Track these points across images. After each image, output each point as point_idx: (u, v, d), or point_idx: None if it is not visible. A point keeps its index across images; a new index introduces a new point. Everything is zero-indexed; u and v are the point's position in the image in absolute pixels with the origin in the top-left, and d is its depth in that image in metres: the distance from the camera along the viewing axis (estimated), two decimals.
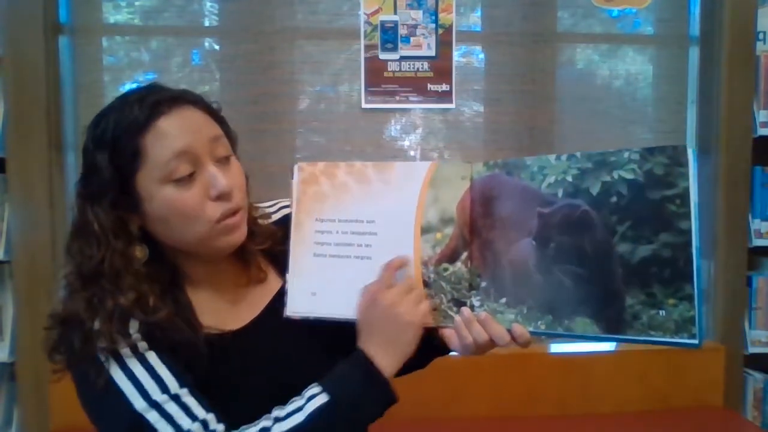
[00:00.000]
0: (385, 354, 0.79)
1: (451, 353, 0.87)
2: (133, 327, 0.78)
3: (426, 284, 0.83)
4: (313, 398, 0.77)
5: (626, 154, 0.74)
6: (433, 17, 1.83)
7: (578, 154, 0.77)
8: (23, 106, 1.68)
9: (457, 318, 0.81)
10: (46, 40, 1.69)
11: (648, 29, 1.97)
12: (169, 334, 0.79)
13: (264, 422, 0.77)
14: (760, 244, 1.89)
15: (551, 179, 0.78)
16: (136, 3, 1.80)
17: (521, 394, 1.76)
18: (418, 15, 1.83)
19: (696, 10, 1.94)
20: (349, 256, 0.86)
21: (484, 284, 0.82)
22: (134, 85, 1.79)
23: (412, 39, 1.83)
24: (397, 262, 0.83)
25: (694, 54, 1.95)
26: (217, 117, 0.86)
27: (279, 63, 1.82)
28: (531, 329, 0.78)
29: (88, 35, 1.78)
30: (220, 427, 0.76)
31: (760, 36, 1.90)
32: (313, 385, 0.78)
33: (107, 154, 0.79)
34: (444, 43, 1.84)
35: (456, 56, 1.85)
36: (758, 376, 1.91)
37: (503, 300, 0.80)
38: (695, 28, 1.95)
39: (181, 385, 0.77)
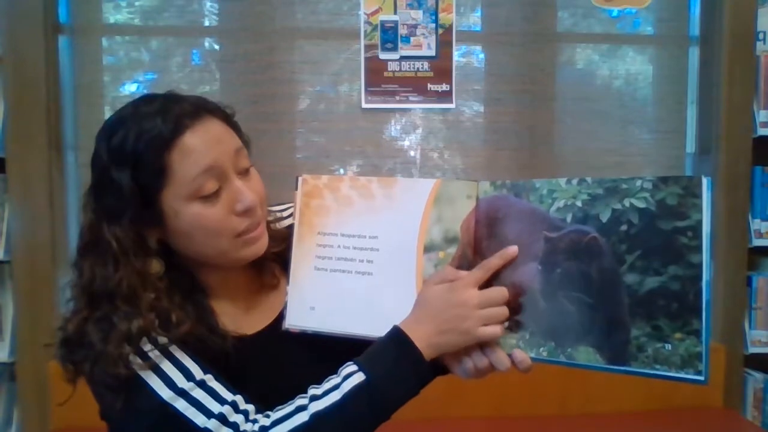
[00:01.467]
0: (427, 341, 0.75)
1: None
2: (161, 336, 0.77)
3: None
4: (350, 377, 0.74)
5: (639, 182, 0.72)
6: (433, 17, 1.83)
7: (589, 179, 0.75)
8: (23, 106, 1.68)
9: None
10: (46, 40, 1.69)
11: (648, 29, 1.97)
12: (192, 344, 0.78)
13: (300, 400, 0.76)
14: (760, 244, 1.89)
15: (560, 203, 0.76)
16: (136, 3, 1.80)
17: (521, 394, 1.76)
18: (418, 15, 1.83)
19: (696, 10, 1.94)
20: (350, 272, 0.84)
21: None
22: (134, 86, 1.81)
23: (412, 39, 1.83)
24: (499, 262, 0.77)
25: (694, 54, 1.95)
26: (233, 124, 0.85)
27: (279, 63, 1.82)
28: (532, 355, 0.76)
29: (88, 35, 1.78)
30: (250, 407, 0.76)
31: (760, 36, 1.90)
32: (349, 363, 0.76)
33: (129, 171, 0.76)
34: (444, 43, 1.84)
35: (456, 56, 1.85)
36: (758, 376, 1.91)
37: (505, 324, 0.78)
38: (695, 28, 1.95)
39: (205, 372, 0.77)
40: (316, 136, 1.85)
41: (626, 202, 0.72)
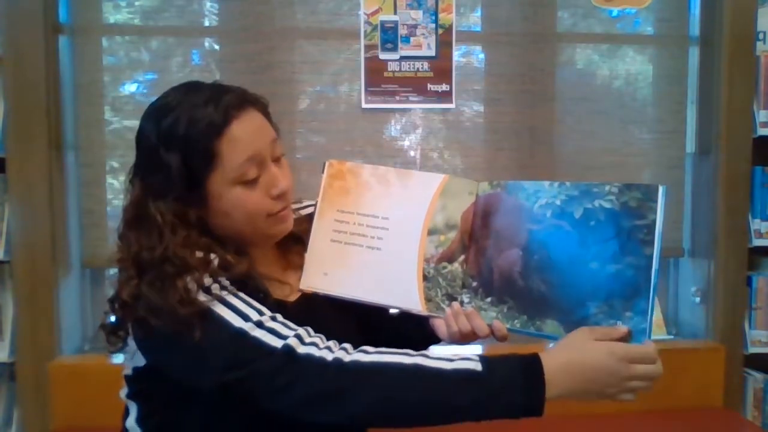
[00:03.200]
0: (562, 380, 0.77)
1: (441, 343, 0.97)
2: (224, 281, 0.83)
3: (425, 278, 0.94)
4: (467, 360, 0.77)
5: (607, 187, 0.87)
6: (433, 17, 1.83)
7: (568, 183, 0.90)
8: (23, 106, 1.68)
9: (448, 310, 0.92)
10: (46, 40, 1.69)
11: (648, 29, 1.97)
12: (252, 285, 0.85)
13: (410, 351, 0.79)
14: (760, 244, 1.89)
15: (543, 201, 0.91)
16: (136, 3, 1.80)
17: None
18: (418, 15, 1.83)
19: (696, 10, 1.94)
20: (362, 246, 0.96)
21: (474, 284, 0.94)
22: (134, 86, 1.81)
23: (412, 39, 1.83)
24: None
25: (694, 54, 1.95)
26: (268, 115, 0.91)
27: (279, 63, 1.82)
28: (508, 326, 0.90)
29: (88, 35, 1.78)
30: (321, 335, 0.81)
31: (760, 36, 1.90)
32: (474, 354, 0.79)
33: (179, 154, 0.81)
34: (444, 43, 1.84)
35: (456, 56, 1.85)
36: (758, 376, 1.91)
37: (488, 299, 0.92)
38: (695, 28, 1.94)
39: (274, 312, 0.82)
40: (316, 136, 1.85)
41: (596, 203, 0.87)
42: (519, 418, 0.77)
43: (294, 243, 0.98)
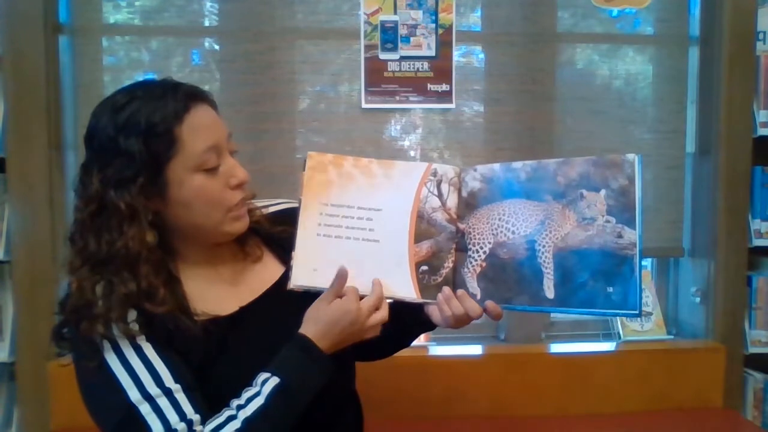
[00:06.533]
0: (324, 339, 0.88)
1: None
2: (131, 315, 0.81)
3: (417, 266, 0.96)
4: (267, 382, 0.84)
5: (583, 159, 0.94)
6: (433, 17, 1.83)
7: (534, 162, 0.97)
8: (23, 106, 1.68)
9: (440, 296, 0.95)
10: (46, 40, 1.69)
11: (648, 29, 1.97)
12: (167, 324, 0.83)
13: (228, 411, 0.82)
14: (760, 244, 1.89)
15: (522, 177, 0.97)
16: (136, 3, 1.80)
17: (521, 394, 1.76)
18: (418, 15, 1.83)
19: (696, 10, 1.94)
20: (350, 238, 0.96)
21: (463, 269, 0.96)
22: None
23: (412, 39, 1.83)
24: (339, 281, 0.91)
25: (694, 54, 1.95)
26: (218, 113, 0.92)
27: (279, 63, 1.82)
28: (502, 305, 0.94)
29: (88, 35, 1.78)
30: (199, 428, 0.80)
31: (760, 36, 1.90)
32: (261, 372, 0.85)
33: (141, 140, 0.81)
34: (444, 43, 1.84)
35: (456, 56, 1.85)
36: (758, 376, 1.91)
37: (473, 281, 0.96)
38: (695, 28, 1.94)
39: (175, 381, 0.81)
40: (316, 136, 1.85)
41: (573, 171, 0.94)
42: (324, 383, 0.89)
43: (252, 234, 0.99)
